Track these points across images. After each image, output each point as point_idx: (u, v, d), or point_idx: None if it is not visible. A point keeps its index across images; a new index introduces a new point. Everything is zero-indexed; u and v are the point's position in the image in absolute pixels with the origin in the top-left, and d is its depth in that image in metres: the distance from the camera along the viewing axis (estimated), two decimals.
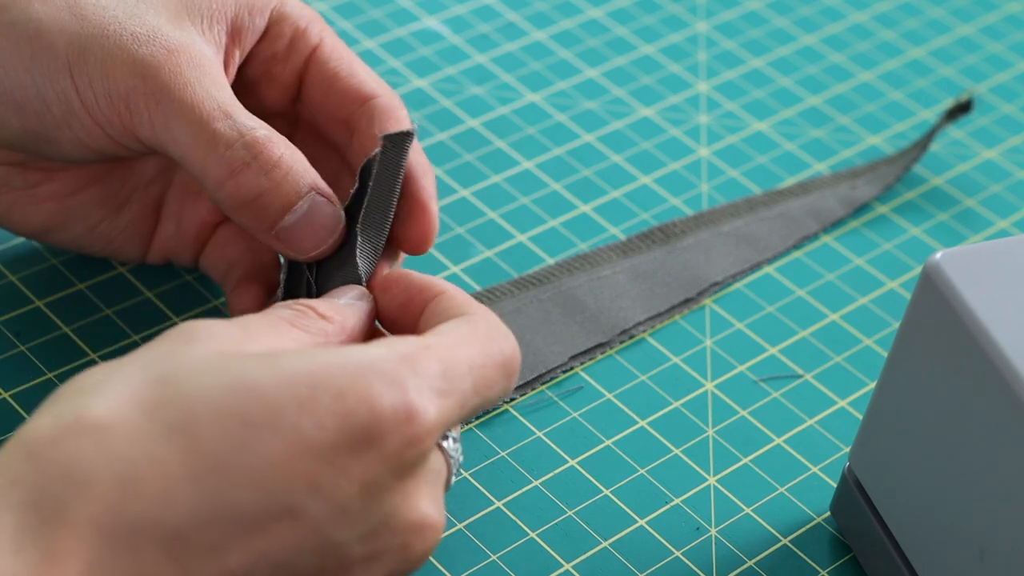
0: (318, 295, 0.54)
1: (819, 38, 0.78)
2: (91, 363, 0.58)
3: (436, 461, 0.47)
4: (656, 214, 0.67)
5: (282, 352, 0.44)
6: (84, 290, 0.60)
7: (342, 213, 0.54)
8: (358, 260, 0.53)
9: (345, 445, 0.43)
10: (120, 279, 0.61)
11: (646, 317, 0.62)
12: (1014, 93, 0.76)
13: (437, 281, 0.50)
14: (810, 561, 0.55)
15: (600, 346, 0.61)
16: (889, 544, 0.52)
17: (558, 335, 0.61)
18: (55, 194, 0.57)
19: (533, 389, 0.59)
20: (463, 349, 0.46)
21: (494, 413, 0.58)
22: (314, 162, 0.56)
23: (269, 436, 0.42)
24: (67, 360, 0.58)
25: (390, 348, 0.45)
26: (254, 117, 0.53)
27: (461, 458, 0.49)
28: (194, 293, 0.61)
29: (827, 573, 0.55)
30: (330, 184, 0.57)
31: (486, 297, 0.61)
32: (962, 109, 0.70)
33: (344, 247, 0.54)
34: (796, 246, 0.66)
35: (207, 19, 0.55)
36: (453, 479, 0.48)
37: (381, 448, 0.43)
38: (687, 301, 0.63)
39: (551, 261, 0.64)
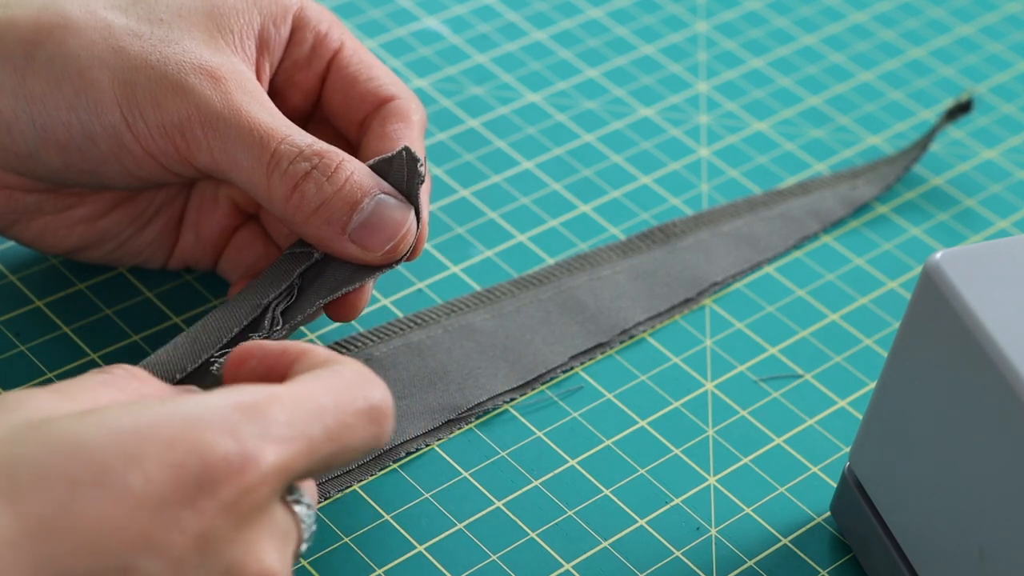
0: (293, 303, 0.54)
1: (819, 38, 0.78)
2: (91, 363, 0.58)
3: (283, 518, 0.43)
4: (656, 214, 0.67)
5: (105, 407, 0.42)
6: (84, 290, 0.60)
7: (410, 210, 0.54)
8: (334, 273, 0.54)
9: (177, 497, 0.40)
10: (120, 279, 0.61)
11: (646, 317, 0.62)
12: (1014, 93, 0.76)
13: (294, 344, 0.47)
14: (810, 561, 0.55)
15: (600, 346, 0.61)
16: (889, 544, 0.52)
17: (558, 335, 0.61)
18: (87, 217, 0.57)
19: (533, 389, 0.59)
20: (314, 395, 0.44)
21: (494, 413, 0.58)
22: None
23: (96, 494, 0.39)
24: (67, 360, 0.58)
25: (227, 397, 0.42)
26: (305, 132, 0.54)
27: (314, 527, 0.45)
28: (194, 293, 0.61)
29: (827, 573, 0.55)
30: None
31: (486, 297, 0.61)
32: (962, 109, 0.70)
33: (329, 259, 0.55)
34: (796, 246, 0.66)
35: (237, 36, 0.55)
36: (303, 546, 0.44)
37: (215, 497, 0.41)
38: (687, 301, 0.63)
39: (551, 261, 0.64)
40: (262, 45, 0.56)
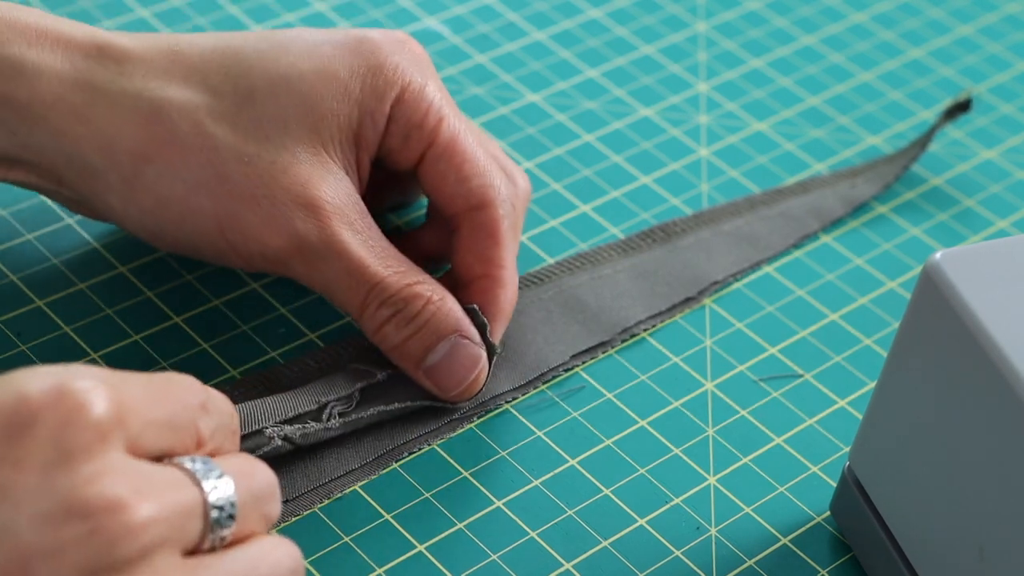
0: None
1: (819, 38, 0.78)
2: (92, 363, 0.58)
3: (155, 468, 0.42)
4: (656, 214, 0.67)
5: None
6: (84, 290, 0.60)
7: (484, 354, 0.57)
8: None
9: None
10: (121, 279, 0.61)
11: (647, 316, 0.62)
12: (1013, 93, 0.76)
13: None
14: (810, 561, 0.55)
15: (601, 345, 0.61)
16: (889, 544, 0.52)
17: (559, 334, 0.61)
18: None
19: (535, 388, 0.59)
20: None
21: (494, 413, 0.58)
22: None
23: None
24: (68, 360, 0.58)
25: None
26: (403, 265, 0.56)
27: (223, 482, 0.44)
28: (195, 293, 0.61)
29: (827, 573, 0.55)
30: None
31: None
32: (961, 108, 0.70)
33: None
34: (796, 245, 0.66)
35: (338, 143, 0.56)
36: (219, 497, 0.43)
37: (34, 430, 0.41)
38: (688, 300, 0.63)
39: (551, 261, 0.64)
40: (360, 143, 0.57)
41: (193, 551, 0.43)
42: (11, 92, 0.55)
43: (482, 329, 0.57)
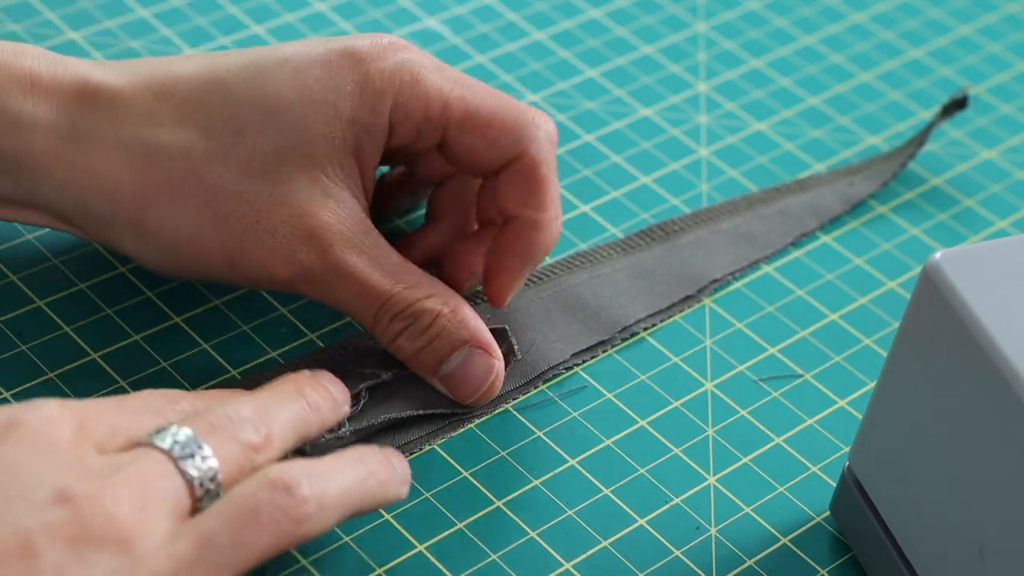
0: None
1: (819, 38, 0.78)
2: (92, 363, 0.58)
3: (124, 456, 0.46)
4: (656, 214, 0.67)
5: None
6: (85, 290, 0.60)
7: (498, 363, 0.57)
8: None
9: None
10: (121, 279, 0.61)
11: (646, 314, 0.62)
12: (1013, 93, 0.76)
13: None
14: (810, 561, 0.55)
15: (601, 344, 0.61)
16: (888, 543, 0.52)
17: (559, 333, 0.61)
18: None
19: (535, 387, 0.59)
20: None
21: (494, 413, 0.58)
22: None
23: None
24: (68, 360, 0.58)
25: None
26: (413, 278, 0.56)
27: (207, 464, 0.47)
28: (195, 292, 0.61)
29: (827, 572, 0.55)
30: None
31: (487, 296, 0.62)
32: (958, 105, 0.70)
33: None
34: (795, 243, 0.66)
35: (333, 162, 0.56)
36: (197, 472, 0.47)
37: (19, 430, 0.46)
38: (687, 298, 0.63)
39: (551, 261, 0.64)
40: (360, 159, 0.57)
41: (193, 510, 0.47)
42: (10, 145, 0.55)
43: (502, 338, 0.58)
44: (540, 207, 0.58)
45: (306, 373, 0.53)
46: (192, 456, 0.47)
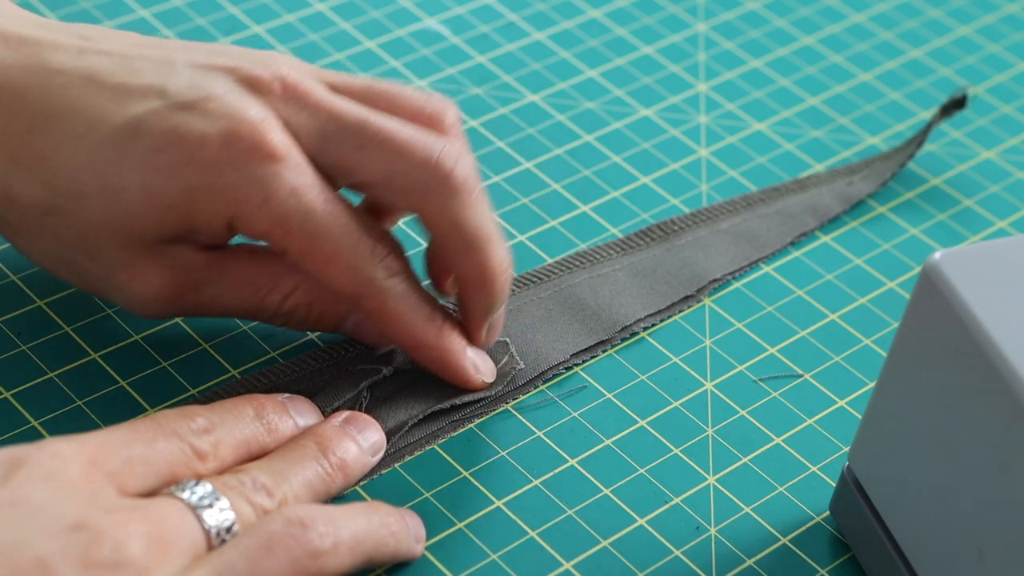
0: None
1: (818, 39, 0.78)
2: (92, 363, 0.58)
3: (148, 503, 0.47)
4: (656, 214, 0.67)
5: None
6: None
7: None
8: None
9: None
10: None
11: (646, 314, 0.62)
12: (1013, 94, 0.76)
13: None
14: (809, 560, 0.55)
15: (601, 343, 0.61)
16: (888, 543, 0.52)
17: (559, 333, 0.61)
18: None
19: (535, 387, 0.59)
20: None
21: (494, 413, 0.58)
22: None
23: None
24: (68, 360, 0.58)
25: None
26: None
27: (224, 515, 0.48)
28: None
29: (826, 572, 0.55)
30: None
31: None
32: (956, 105, 0.70)
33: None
34: (794, 243, 0.66)
35: (141, 247, 0.55)
36: (214, 524, 0.48)
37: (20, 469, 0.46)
38: (687, 298, 0.63)
39: (551, 261, 0.64)
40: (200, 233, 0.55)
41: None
42: None
43: (503, 350, 0.59)
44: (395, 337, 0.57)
45: (335, 425, 0.53)
46: (211, 507, 0.48)
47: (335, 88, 0.56)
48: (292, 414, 0.54)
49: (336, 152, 0.55)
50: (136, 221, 0.53)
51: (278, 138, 0.53)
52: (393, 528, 0.51)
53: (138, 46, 0.56)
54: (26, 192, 0.54)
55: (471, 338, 0.58)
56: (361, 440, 0.54)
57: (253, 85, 0.55)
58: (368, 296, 0.55)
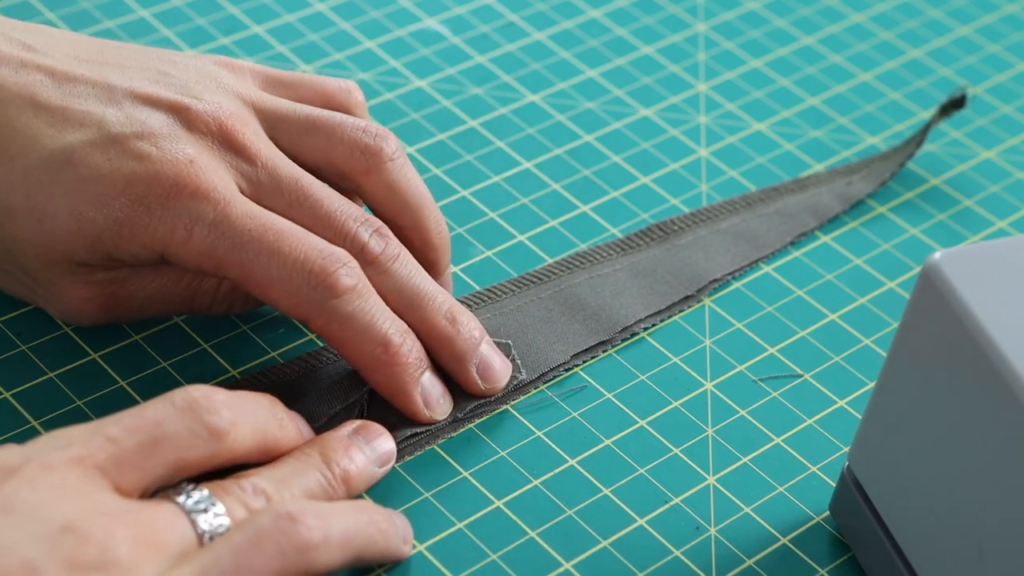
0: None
1: (818, 39, 0.78)
2: (92, 363, 0.58)
3: (137, 504, 0.47)
4: (656, 214, 0.67)
5: None
6: None
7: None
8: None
9: None
10: None
11: (646, 314, 0.62)
12: (1012, 94, 0.76)
13: None
14: (809, 560, 0.55)
15: (601, 344, 0.61)
16: (888, 543, 0.53)
17: (560, 333, 0.61)
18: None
19: (535, 388, 0.59)
20: None
21: (494, 413, 0.58)
22: None
23: None
24: (68, 360, 0.58)
25: None
26: None
27: (211, 511, 0.48)
28: None
29: (826, 572, 0.55)
30: None
31: (487, 296, 0.62)
32: (955, 105, 0.70)
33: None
34: (794, 243, 0.66)
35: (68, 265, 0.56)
36: (205, 525, 0.48)
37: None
38: (687, 298, 0.63)
39: (551, 261, 0.64)
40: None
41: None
42: None
43: (505, 352, 0.59)
44: (357, 359, 0.55)
45: (343, 435, 0.53)
46: (206, 511, 0.48)
47: (267, 86, 0.60)
48: (299, 423, 0.54)
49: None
50: (63, 245, 0.54)
51: (204, 176, 0.54)
52: (382, 526, 0.51)
53: (80, 61, 0.57)
54: None
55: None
56: (369, 451, 0.53)
57: (190, 124, 0.55)
58: (311, 318, 0.54)
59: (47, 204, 0.54)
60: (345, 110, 0.60)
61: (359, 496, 0.54)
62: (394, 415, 0.56)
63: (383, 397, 0.56)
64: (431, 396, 0.56)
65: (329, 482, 0.51)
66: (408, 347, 0.55)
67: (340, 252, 0.54)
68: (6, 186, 0.54)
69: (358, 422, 0.54)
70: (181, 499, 0.48)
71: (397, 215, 0.58)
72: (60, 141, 0.54)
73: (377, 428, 0.54)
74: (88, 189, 0.54)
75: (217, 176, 0.54)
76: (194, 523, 0.47)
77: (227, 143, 0.55)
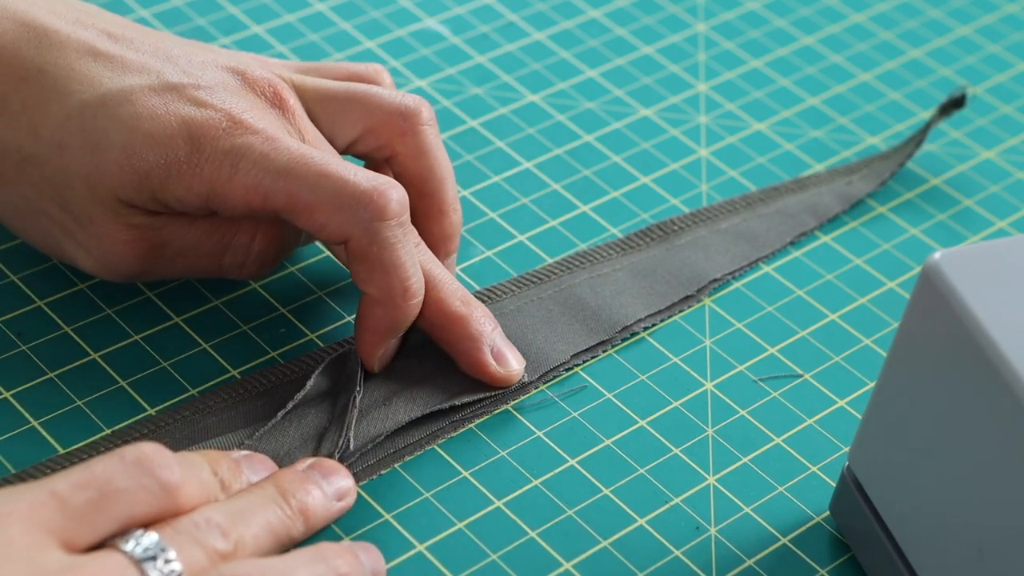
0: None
1: (818, 39, 0.78)
2: (92, 363, 0.58)
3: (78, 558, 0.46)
4: (656, 214, 0.67)
5: None
6: (85, 290, 0.60)
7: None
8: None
9: None
10: None
11: (647, 314, 0.62)
12: (1012, 94, 0.76)
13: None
14: (809, 560, 0.55)
15: (602, 344, 0.61)
16: (888, 543, 0.53)
17: (560, 333, 0.61)
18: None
19: (535, 388, 0.59)
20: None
21: (494, 413, 0.58)
22: None
23: None
24: (68, 360, 0.58)
25: None
26: None
27: (169, 567, 0.47)
28: (195, 293, 0.61)
29: (826, 572, 0.55)
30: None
31: (487, 296, 0.62)
32: (955, 104, 0.70)
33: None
34: (793, 243, 0.66)
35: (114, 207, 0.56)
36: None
37: None
38: (687, 298, 0.63)
39: (551, 261, 0.64)
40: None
41: None
42: None
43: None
44: (377, 287, 0.56)
45: (299, 470, 0.52)
46: (154, 559, 0.46)
47: (300, 72, 0.61)
48: (246, 471, 0.52)
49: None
50: (112, 179, 0.55)
51: (257, 123, 0.56)
52: (343, 571, 0.49)
53: (135, 29, 0.58)
54: (8, 137, 0.56)
55: (366, 362, 0.57)
56: (326, 485, 0.52)
57: (248, 84, 0.58)
58: (353, 237, 0.55)
59: (101, 138, 0.55)
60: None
61: (318, 533, 0.53)
62: (398, 411, 0.56)
63: (382, 396, 0.57)
64: (498, 344, 0.59)
65: (287, 515, 0.50)
66: (418, 301, 0.57)
67: (391, 179, 0.56)
68: (62, 119, 0.55)
69: (311, 459, 0.53)
70: (129, 547, 0.46)
71: (423, 180, 0.60)
72: (119, 82, 0.56)
73: (333, 464, 0.53)
74: (142, 126, 0.55)
75: (267, 122, 0.56)
76: (143, 573, 0.46)
77: (280, 107, 0.58)
